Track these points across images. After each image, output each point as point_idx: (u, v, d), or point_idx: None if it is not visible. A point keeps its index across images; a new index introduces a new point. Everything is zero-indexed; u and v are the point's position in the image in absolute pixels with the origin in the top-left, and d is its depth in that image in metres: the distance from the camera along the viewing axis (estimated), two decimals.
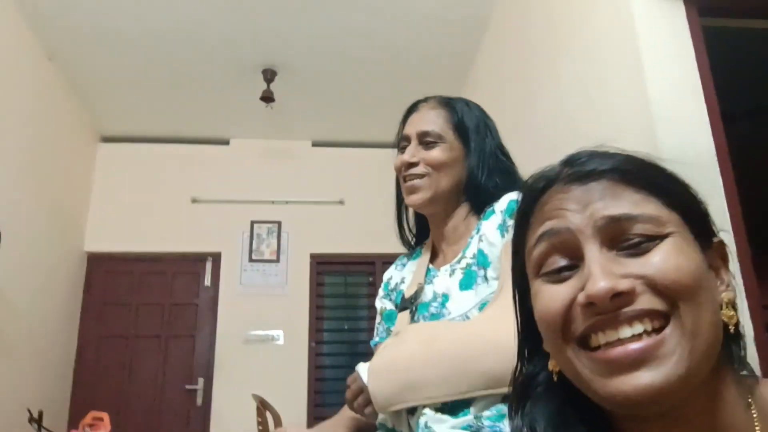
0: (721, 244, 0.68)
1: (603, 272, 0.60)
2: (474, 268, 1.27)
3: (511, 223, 1.23)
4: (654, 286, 0.59)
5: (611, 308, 0.59)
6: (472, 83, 4.20)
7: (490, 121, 1.46)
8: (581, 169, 0.66)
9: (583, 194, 0.65)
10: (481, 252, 1.27)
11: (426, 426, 1.09)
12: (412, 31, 3.90)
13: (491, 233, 1.27)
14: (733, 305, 0.64)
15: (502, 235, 1.25)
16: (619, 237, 0.62)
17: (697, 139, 1.88)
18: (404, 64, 4.23)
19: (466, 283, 1.27)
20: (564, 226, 0.64)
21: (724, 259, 0.68)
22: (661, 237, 0.61)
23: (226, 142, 5.33)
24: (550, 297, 0.64)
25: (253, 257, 5.05)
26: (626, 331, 0.59)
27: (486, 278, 1.24)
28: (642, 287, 0.59)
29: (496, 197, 1.33)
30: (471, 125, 1.40)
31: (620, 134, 2.11)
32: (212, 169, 5.24)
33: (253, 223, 5.12)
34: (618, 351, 0.58)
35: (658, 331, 0.59)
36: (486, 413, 1.07)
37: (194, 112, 4.91)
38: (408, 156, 1.39)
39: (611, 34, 2.21)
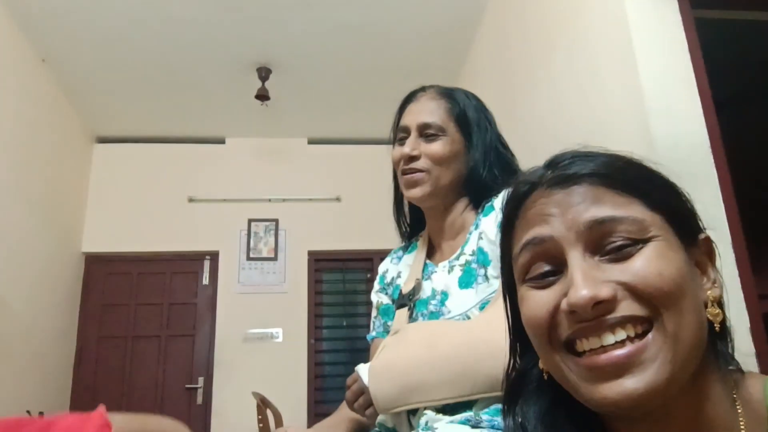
0: (707, 240, 0.68)
1: (585, 280, 0.60)
2: (474, 265, 1.26)
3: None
4: (635, 293, 0.59)
5: (594, 315, 0.60)
6: (467, 78, 4.20)
7: (489, 112, 1.42)
8: (563, 172, 0.66)
9: (565, 198, 0.65)
10: (481, 250, 1.26)
11: (426, 425, 1.09)
12: (405, 27, 3.90)
13: (491, 231, 1.25)
14: (718, 303, 0.64)
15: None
16: (602, 241, 0.62)
17: (691, 130, 1.88)
18: (398, 60, 4.23)
19: (466, 282, 1.25)
20: (548, 234, 0.64)
21: (711, 255, 0.68)
22: (644, 241, 0.61)
23: (221, 141, 5.32)
24: (535, 303, 0.65)
25: (251, 255, 5.05)
26: (609, 338, 0.60)
27: (486, 277, 1.23)
28: (623, 293, 0.60)
29: (495, 190, 1.30)
30: (473, 117, 1.36)
31: (614, 126, 2.11)
32: (208, 168, 5.23)
33: (250, 221, 5.12)
34: (602, 358, 0.59)
35: (641, 336, 0.59)
36: (484, 410, 1.07)
37: (189, 111, 4.90)
38: (408, 149, 1.34)
39: (604, 26, 2.21)
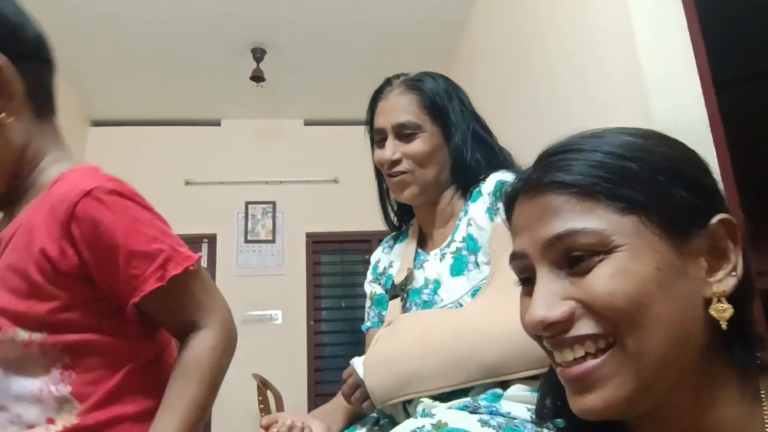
0: (725, 222, 0.61)
1: (540, 300, 0.60)
2: (464, 252, 1.25)
3: (499, 205, 1.21)
4: (592, 310, 0.58)
5: (550, 334, 0.60)
6: (462, 60, 4.16)
7: (461, 92, 1.40)
8: (536, 178, 0.64)
9: (532, 212, 0.63)
10: (470, 237, 1.25)
11: (424, 412, 1.09)
12: (401, 7, 3.85)
13: (480, 217, 1.24)
14: (730, 297, 0.59)
15: (491, 219, 1.22)
16: (565, 255, 0.60)
17: (690, 109, 1.86)
18: (394, 41, 4.18)
19: (457, 269, 1.25)
20: (520, 250, 0.64)
21: (733, 237, 0.61)
22: (606, 252, 0.58)
23: (217, 123, 5.29)
24: (522, 308, 0.65)
25: (249, 238, 5.04)
26: (568, 355, 0.59)
27: (477, 264, 1.22)
28: (582, 311, 0.58)
29: (481, 174, 1.30)
30: (445, 104, 1.34)
31: (613, 106, 2.09)
32: (205, 150, 5.20)
33: (247, 203, 5.11)
34: (567, 373, 0.60)
35: (602, 350, 0.58)
36: (482, 395, 1.07)
37: (185, 93, 4.85)
38: (389, 153, 1.33)
39: (601, 3, 2.18)
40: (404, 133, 1.32)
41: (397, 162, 1.33)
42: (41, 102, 1.02)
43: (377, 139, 1.39)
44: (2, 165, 0.95)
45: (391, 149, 1.33)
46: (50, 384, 0.86)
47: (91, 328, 0.89)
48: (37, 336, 0.86)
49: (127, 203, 0.95)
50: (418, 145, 1.31)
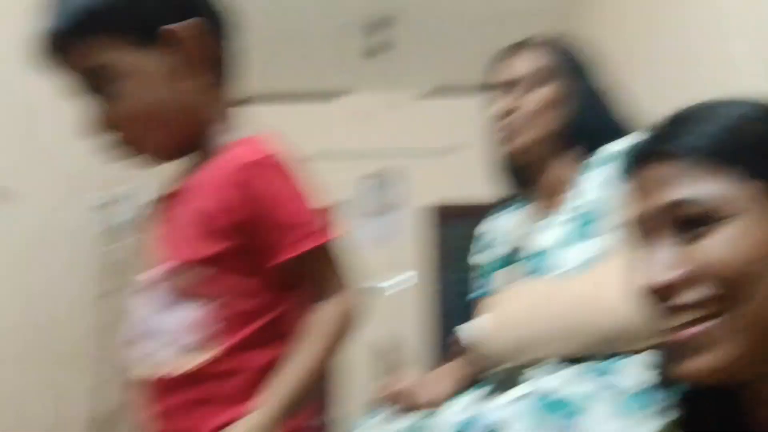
0: None
1: (658, 263, 0.61)
2: (578, 222, 1.24)
3: (613, 176, 1.18)
4: (705, 276, 0.58)
5: (666, 296, 0.60)
6: (590, 23, 4.01)
7: (591, 58, 1.38)
8: (656, 145, 0.65)
9: (651, 177, 0.64)
10: (585, 206, 1.24)
11: (535, 378, 1.09)
12: None
13: (594, 187, 1.23)
14: None
15: (606, 190, 1.20)
16: (680, 222, 0.61)
17: None
18: (517, 4, 4.06)
19: (571, 239, 1.23)
20: (637, 216, 0.65)
21: None
22: (720, 219, 0.58)
23: (336, 95, 5.35)
24: (637, 273, 0.66)
25: (368, 210, 5.13)
26: (679, 318, 0.60)
27: (591, 234, 1.20)
28: (693, 277, 0.59)
29: (600, 142, 1.27)
30: (572, 65, 1.33)
31: (743, 72, 1.95)
32: (321, 124, 5.24)
33: (368, 175, 5.18)
34: (673, 337, 0.61)
35: (714, 316, 0.58)
36: (597, 364, 1.06)
37: (303, 67, 4.92)
38: (506, 103, 1.33)
39: None
40: (526, 84, 1.32)
41: (512, 111, 1.33)
42: (224, 71, 1.17)
43: (496, 92, 1.39)
44: (181, 124, 1.09)
45: (509, 99, 1.34)
46: (207, 318, 0.97)
47: (249, 273, 0.99)
48: (207, 271, 0.97)
49: (285, 175, 1.07)
50: (537, 96, 1.31)
